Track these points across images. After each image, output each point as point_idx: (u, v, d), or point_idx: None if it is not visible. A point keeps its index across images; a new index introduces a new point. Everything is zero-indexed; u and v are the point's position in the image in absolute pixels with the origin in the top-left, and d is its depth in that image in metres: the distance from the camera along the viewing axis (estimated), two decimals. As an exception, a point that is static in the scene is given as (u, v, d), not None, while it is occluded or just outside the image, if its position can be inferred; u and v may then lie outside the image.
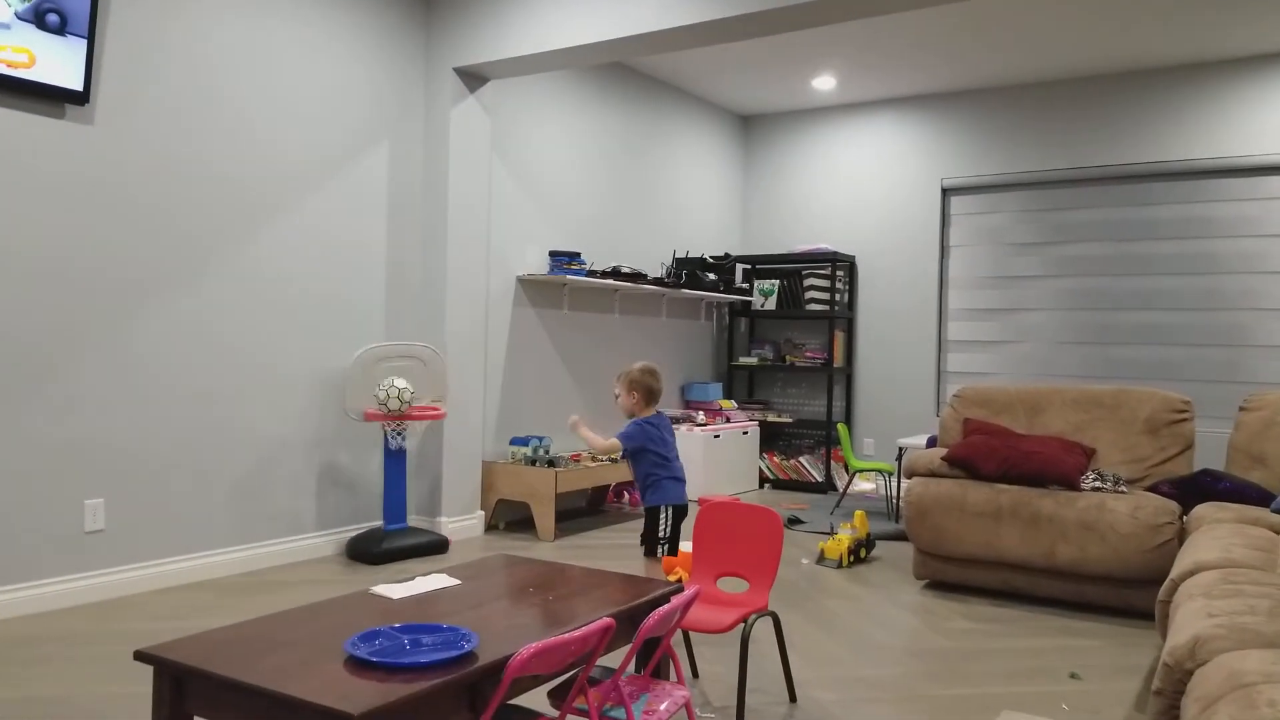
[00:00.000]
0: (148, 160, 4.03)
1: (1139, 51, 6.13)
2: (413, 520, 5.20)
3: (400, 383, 3.11)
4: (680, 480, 3.61)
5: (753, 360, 7.64)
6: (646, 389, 3.57)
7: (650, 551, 3.59)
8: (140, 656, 1.87)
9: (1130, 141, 6.56)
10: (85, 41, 3.68)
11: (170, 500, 4.15)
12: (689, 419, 6.81)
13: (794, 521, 5.86)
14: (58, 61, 3.62)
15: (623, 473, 5.74)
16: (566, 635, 1.85)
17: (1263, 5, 5.28)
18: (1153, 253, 6.55)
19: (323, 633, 2.00)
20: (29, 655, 3.22)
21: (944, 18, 5.62)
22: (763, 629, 3.66)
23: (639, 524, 3.77)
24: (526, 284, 5.87)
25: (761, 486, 7.39)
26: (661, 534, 3.55)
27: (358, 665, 1.80)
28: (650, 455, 3.55)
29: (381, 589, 2.34)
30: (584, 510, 6.19)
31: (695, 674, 3.18)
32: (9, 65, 3.50)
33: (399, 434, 4.71)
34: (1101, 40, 5.93)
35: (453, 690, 1.78)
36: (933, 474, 4.38)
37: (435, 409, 4.84)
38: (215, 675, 1.76)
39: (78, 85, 3.69)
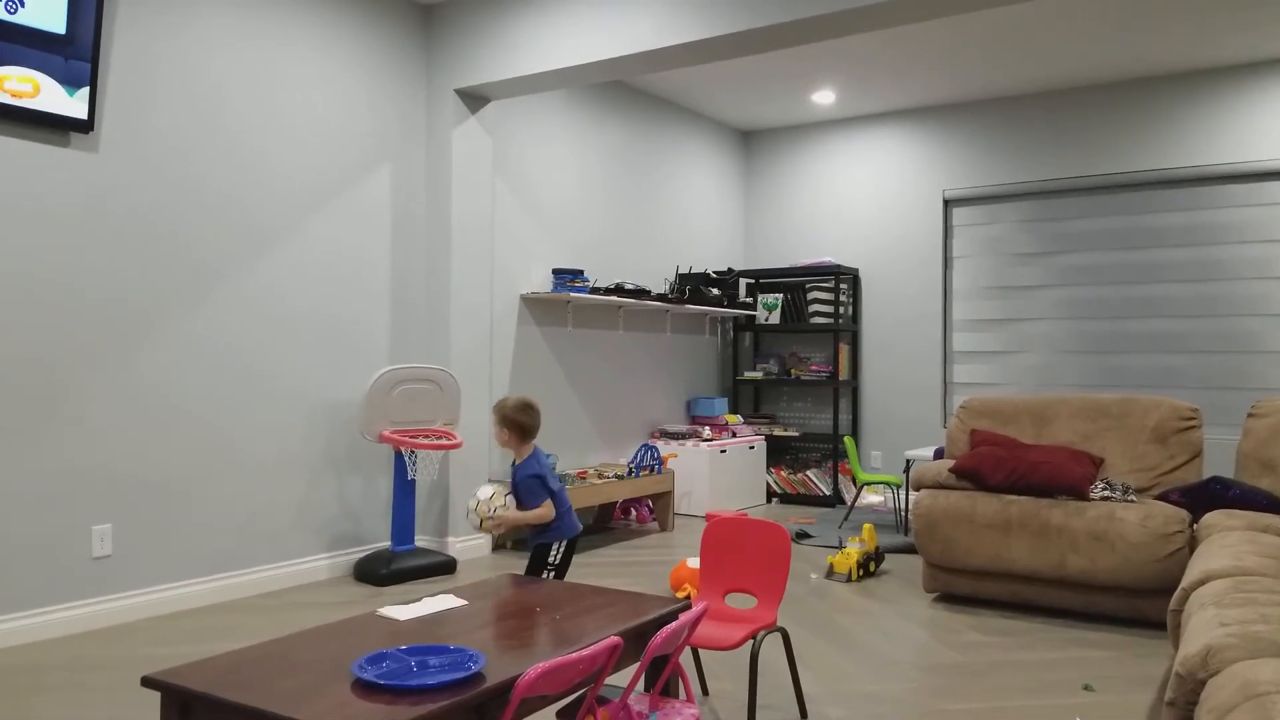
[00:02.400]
0: (152, 187, 4.06)
1: (1140, 59, 6.15)
2: (420, 541, 5.19)
3: (485, 493, 3.18)
4: (572, 511, 3.51)
5: (758, 374, 7.63)
6: (518, 426, 3.39)
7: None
8: (147, 682, 1.87)
9: (1132, 149, 6.57)
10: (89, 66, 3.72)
11: (177, 525, 4.15)
12: (695, 434, 6.80)
13: (802, 536, 5.84)
14: (62, 91, 3.65)
15: (627, 489, 5.73)
16: (574, 654, 1.84)
17: (1263, 11, 5.29)
18: (1157, 260, 6.54)
19: (330, 655, 2.00)
20: (36, 682, 3.22)
21: (941, 30, 5.65)
22: (772, 645, 3.64)
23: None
24: (530, 302, 5.88)
25: (769, 501, 7.37)
26: (551, 561, 3.42)
27: (365, 688, 1.80)
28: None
29: (389, 610, 2.34)
30: (591, 528, 6.18)
31: (705, 691, 3.17)
32: (14, 95, 3.53)
33: (415, 463, 4.71)
34: (1102, 48, 5.95)
35: (460, 711, 1.77)
36: (941, 486, 4.37)
37: (450, 435, 4.84)
38: (222, 700, 1.76)
39: (82, 114, 3.72)
